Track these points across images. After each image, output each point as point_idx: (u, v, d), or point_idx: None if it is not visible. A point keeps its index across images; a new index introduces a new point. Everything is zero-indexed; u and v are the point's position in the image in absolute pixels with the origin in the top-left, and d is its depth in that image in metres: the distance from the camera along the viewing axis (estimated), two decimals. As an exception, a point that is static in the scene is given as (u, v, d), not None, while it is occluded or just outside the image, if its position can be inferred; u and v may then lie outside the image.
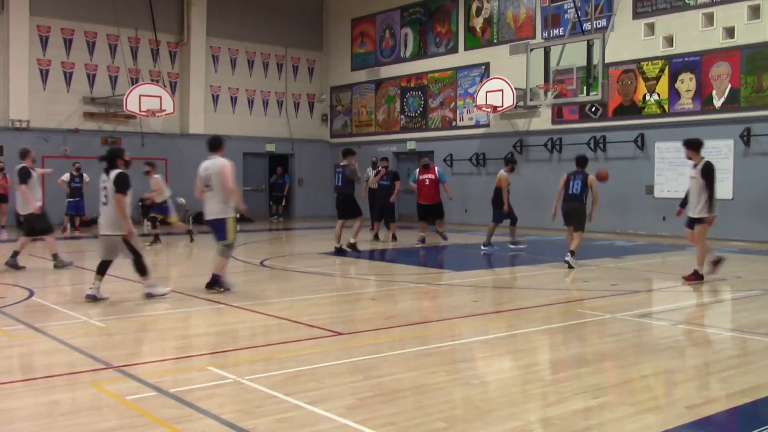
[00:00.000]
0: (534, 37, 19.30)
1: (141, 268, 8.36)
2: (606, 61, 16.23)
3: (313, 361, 5.65)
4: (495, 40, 20.57)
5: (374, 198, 17.13)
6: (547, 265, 11.95)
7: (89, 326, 7.05)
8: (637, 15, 17.33)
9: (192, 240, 15.51)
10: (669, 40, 16.74)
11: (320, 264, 12.18)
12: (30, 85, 20.39)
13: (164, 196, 14.95)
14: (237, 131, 23.93)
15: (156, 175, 14.97)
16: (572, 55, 16.36)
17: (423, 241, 15.45)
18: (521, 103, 18.72)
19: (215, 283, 8.93)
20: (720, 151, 15.80)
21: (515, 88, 18.82)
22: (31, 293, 8.86)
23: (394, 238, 16.04)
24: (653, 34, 16.99)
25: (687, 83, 16.48)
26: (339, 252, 13.32)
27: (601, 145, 17.96)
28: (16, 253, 11.12)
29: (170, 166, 21.66)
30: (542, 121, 19.44)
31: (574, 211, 11.49)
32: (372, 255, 13.51)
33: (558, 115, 19.10)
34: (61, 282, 10.32)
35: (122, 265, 8.81)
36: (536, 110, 19.18)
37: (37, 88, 20.58)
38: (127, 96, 19.55)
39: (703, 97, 16.24)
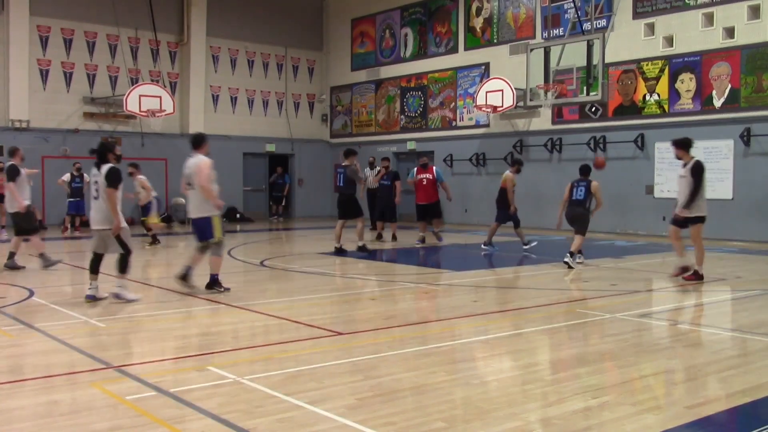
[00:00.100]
0: (534, 37, 19.31)
1: (123, 266, 8.29)
2: (606, 61, 16.24)
3: (312, 361, 5.64)
4: (495, 40, 20.57)
5: (374, 198, 17.16)
6: (548, 265, 11.96)
7: (89, 326, 7.04)
8: (637, 15, 17.33)
9: (156, 242, 14.95)
10: (669, 40, 16.74)
11: (320, 264, 12.18)
12: (30, 85, 20.39)
13: (149, 197, 14.85)
14: (237, 131, 23.96)
15: (140, 176, 14.87)
16: (572, 55, 16.37)
17: (423, 241, 15.47)
18: (521, 103, 18.72)
19: (215, 283, 8.94)
20: (720, 151, 15.82)
21: (515, 88, 18.82)
22: (31, 293, 8.86)
23: (394, 238, 16.05)
24: (653, 34, 16.99)
25: (687, 83, 16.48)
26: (339, 252, 13.33)
27: (601, 145, 17.95)
28: (12, 254, 11.12)
29: (170, 166, 21.65)
30: (542, 121, 19.44)
31: (578, 216, 11.61)
32: (372, 255, 13.50)
33: (558, 115, 19.10)
34: (61, 282, 10.32)
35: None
36: (536, 110, 19.18)
37: (37, 88, 20.58)
38: (127, 96, 19.56)
39: (703, 97, 16.24)
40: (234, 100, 24.24)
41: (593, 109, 18.01)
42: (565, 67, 16.55)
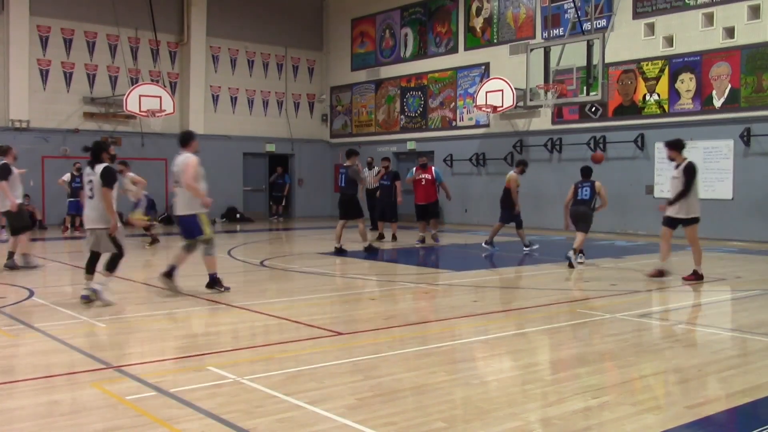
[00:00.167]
0: (534, 37, 19.30)
1: (112, 265, 8.26)
2: (606, 61, 16.24)
3: (313, 361, 5.64)
4: (495, 40, 20.56)
5: (373, 198, 17.16)
6: (548, 264, 11.96)
7: (89, 326, 7.04)
8: (637, 15, 17.33)
9: (156, 242, 14.98)
10: (669, 40, 16.74)
11: (320, 264, 12.18)
12: (30, 85, 20.38)
13: (140, 194, 14.85)
14: (237, 131, 23.95)
15: (130, 173, 14.86)
16: (572, 55, 16.37)
17: (423, 241, 15.47)
18: (521, 104, 18.71)
19: (215, 283, 8.94)
20: (720, 151, 15.82)
21: (515, 88, 18.81)
22: (31, 293, 8.86)
23: (395, 238, 16.05)
24: (653, 34, 16.98)
25: (687, 83, 16.48)
26: (339, 252, 13.33)
27: (601, 145, 17.94)
28: (11, 254, 11.12)
29: (170, 166, 21.56)
30: (542, 121, 19.43)
31: (582, 215, 11.63)
32: (373, 255, 13.49)
33: (558, 115, 19.10)
34: (61, 282, 10.33)
35: (123, 264, 8.79)
36: (536, 110, 19.17)
37: (37, 88, 20.58)
38: (127, 96, 19.55)
39: (703, 97, 16.24)
40: (234, 100, 24.23)
41: (593, 109, 18.01)
42: (565, 67, 16.55)
